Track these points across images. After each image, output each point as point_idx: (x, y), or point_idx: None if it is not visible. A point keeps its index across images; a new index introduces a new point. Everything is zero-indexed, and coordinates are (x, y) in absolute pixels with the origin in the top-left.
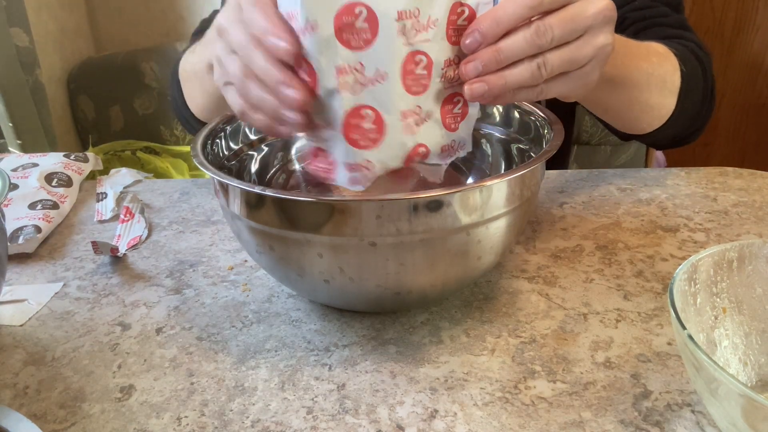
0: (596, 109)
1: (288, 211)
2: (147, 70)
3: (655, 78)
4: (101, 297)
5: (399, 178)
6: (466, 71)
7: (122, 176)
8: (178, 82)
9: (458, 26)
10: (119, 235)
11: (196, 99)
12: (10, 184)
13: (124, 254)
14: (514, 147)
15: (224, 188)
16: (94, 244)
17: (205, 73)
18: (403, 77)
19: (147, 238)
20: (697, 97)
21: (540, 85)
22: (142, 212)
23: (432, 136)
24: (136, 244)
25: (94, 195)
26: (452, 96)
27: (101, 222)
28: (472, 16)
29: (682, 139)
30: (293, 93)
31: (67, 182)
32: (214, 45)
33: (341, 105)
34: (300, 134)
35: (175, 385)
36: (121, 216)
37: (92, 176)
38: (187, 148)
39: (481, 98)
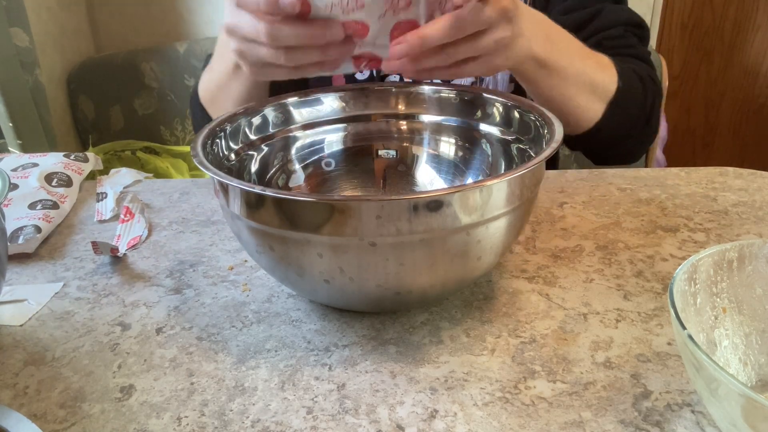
0: (533, 93)
1: (288, 211)
2: (147, 70)
3: (586, 78)
4: (101, 297)
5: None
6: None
7: (122, 176)
8: (200, 107)
9: None
10: (119, 235)
11: (226, 110)
12: (10, 184)
13: (124, 254)
14: (514, 147)
15: (224, 188)
16: (94, 244)
17: (230, 78)
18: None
19: (147, 238)
20: (629, 116)
21: (451, 67)
22: (142, 212)
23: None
24: (136, 244)
25: (94, 195)
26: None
27: (101, 222)
28: None
29: (618, 158)
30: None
31: (67, 182)
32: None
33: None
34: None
35: (175, 385)
36: (121, 216)
37: (92, 176)
38: (187, 148)
39: (400, 56)
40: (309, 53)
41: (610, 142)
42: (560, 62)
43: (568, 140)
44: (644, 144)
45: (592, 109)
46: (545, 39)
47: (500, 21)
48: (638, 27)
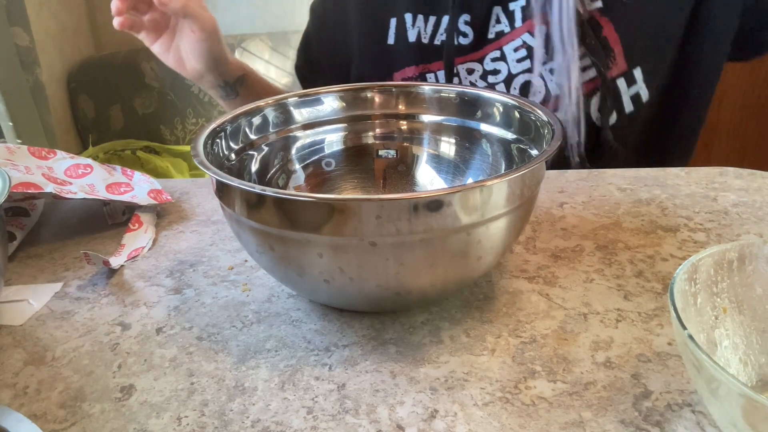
0: None
1: (288, 211)
2: (147, 69)
3: None
4: (101, 297)
5: None
6: None
7: None
8: None
9: None
10: (123, 244)
11: None
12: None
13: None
14: (514, 147)
15: (224, 188)
16: (86, 255)
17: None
18: None
19: (150, 249)
20: None
21: None
22: (152, 223)
23: None
24: (136, 256)
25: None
26: None
27: (110, 224)
28: None
29: None
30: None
31: None
32: None
33: None
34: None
35: (175, 385)
36: (129, 225)
37: None
38: (187, 148)
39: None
40: None
41: None
42: None
43: None
44: None
45: None
46: None
47: None
48: None
